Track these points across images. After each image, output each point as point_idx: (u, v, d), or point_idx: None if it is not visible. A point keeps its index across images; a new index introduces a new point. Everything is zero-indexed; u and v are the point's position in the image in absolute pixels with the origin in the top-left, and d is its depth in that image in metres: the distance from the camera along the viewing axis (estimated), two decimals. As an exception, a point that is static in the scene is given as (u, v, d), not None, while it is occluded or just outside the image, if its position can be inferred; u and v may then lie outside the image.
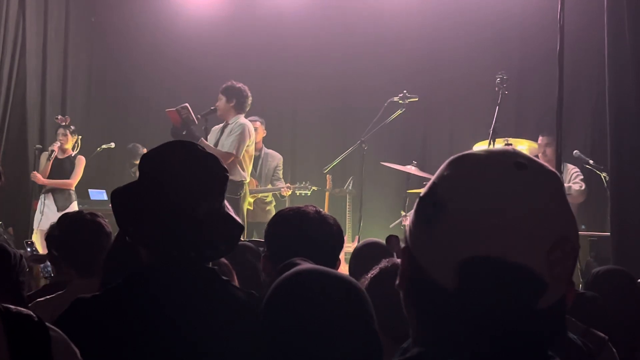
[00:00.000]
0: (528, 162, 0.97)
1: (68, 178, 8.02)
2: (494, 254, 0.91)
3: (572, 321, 2.33)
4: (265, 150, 7.86)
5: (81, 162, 8.09)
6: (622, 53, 5.45)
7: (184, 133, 6.36)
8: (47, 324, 1.33)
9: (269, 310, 1.48)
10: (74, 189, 8.05)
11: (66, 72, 9.79)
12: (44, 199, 7.98)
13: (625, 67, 5.44)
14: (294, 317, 1.43)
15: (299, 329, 1.41)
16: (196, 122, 6.52)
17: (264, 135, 7.90)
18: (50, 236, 3.29)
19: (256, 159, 7.76)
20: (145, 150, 8.32)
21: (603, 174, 6.55)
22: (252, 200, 7.51)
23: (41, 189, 8.12)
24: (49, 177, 8.04)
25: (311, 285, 1.48)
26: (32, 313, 1.32)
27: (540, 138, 7.03)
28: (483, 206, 0.93)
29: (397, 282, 1.03)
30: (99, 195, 8.37)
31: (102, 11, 10.00)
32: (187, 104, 6.49)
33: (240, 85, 6.79)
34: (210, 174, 1.77)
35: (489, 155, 0.99)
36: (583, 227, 6.90)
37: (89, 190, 8.53)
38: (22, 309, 1.32)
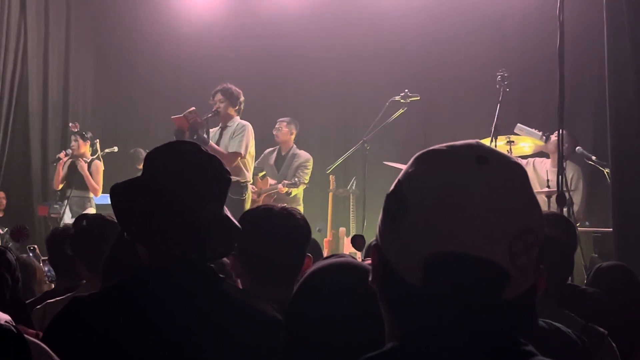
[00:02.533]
0: (490, 156, 0.98)
1: (84, 183, 8.05)
2: (456, 248, 0.93)
3: (571, 316, 2.33)
4: (293, 150, 7.87)
5: (97, 170, 8.13)
6: (622, 49, 5.45)
7: (194, 138, 6.30)
8: (26, 336, 1.31)
9: (303, 292, 1.49)
10: (98, 196, 8.11)
11: (68, 78, 9.82)
12: (66, 207, 8.10)
13: (625, 63, 5.44)
14: (319, 314, 1.45)
15: (330, 312, 1.43)
16: (204, 125, 6.50)
17: (292, 135, 7.91)
18: (64, 235, 3.30)
19: (282, 159, 7.79)
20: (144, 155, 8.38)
21: (606, 170, 6.53)
22: (269, 200, 7.53)
23: (64, 197, 8.22)
24: (64, 183, 8.11)
25: (332, 278, 1.50)
26: (11, 327, 1.31)
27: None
28: (444, 202, 0.95)
29: (370, 278, 1.05)
30: (102, 199, 8.39)
31: (103, 16, 10.02)
32: (194, 108, 6.45)
33: (236, 88, 6.81)
34: (214, 176, 1.78)
35: (451, 150, 1.00)
36: (587, 223, 6.89)
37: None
38: (3, 323, 1.31)
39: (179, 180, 1.74)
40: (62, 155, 8.20)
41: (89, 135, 8.31)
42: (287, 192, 7.49)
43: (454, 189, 0.95)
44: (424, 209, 0.96)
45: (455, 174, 0.96)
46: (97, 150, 8.30)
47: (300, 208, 7.52)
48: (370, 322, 1.29)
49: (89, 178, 8.02)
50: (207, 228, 1.74)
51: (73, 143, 8.23)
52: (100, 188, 8.11)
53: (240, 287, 2.24)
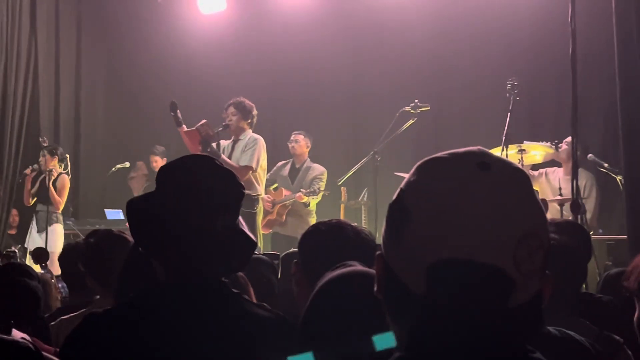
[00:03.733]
0: (492, 162, 0.97)
1: (48, 200, 8.01)
2: (459, 256, 0.92)
3: (587, 324, 2.31)
4: (307, 163, 7.90)
5: (63, 184, 8.07)
6: (632, 55, 5.43)
7: (208, 150, 6.35)
8: (44, 354, 1.32)
9: (316, 305, 1.49)
10: (59, 210, 8.09)
11: (79, 94, 9.88)
12: (33, 220, 8.13)
13: (635, 69, 5.42)
14: (338, 314, 1.45)
15: (343, 324, 1.43)
16: (216, 137, 6.52)
17: (308, 148, 7.94)
18: (77, 252, 3.32)
19: (296, 171, 7.81)
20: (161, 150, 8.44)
21: (618, 177, 6.50)
22: (283, 211, 7.56)
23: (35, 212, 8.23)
24: (35, 199, 8.14)
25: (355, 284, 1.49)
26: (29, 344, 1.31)
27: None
28: (446, 209, 0.94)
29: (375, 288, 1.05)
30: (115, 215, 8.42)
31: (113, 33, 10.09)
32: (205, 121, 6.47)
33: (249, 102, 6.84)
34: (227, 190, 1.76)
35: (453, 157, 1.00)
36: (600, 231, 6.85)
37: (105, 210, 8.58)
38: (20, 339, 1.32)
39: (192, 194, 1.72)
40: (28, 171, 8.20)
41: (59, 151, 8.27)
42: (305, 202, 7.49)
43: (456, 196, 0.95)
44: (427, 216, 0.95)
45: (457, 181, 0.96)
46: (68, 165, 8.27)
47: (313, 220, 7.53)
48: (384, 330, 1.29)
49: (53, 192, 7.98)
50: (221, 242, 1.72)
51: (41, 158, 8.18)
52: (62, 202, 8.06)
53: (295, 294, 2.24)
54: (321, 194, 7.58)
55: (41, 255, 5.15)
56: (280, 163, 8.04)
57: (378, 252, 1.05)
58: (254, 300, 2.32)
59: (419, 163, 1.02)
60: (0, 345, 1.28)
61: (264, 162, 6.80)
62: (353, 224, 2.34)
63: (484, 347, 0.94)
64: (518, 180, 0.98)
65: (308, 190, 7.48)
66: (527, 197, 0.97)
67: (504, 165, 0.99)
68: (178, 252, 1.71)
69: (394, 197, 1.02)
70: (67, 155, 8.35)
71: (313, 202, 7.60)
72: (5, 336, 1.31)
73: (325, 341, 1.42)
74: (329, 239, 2.23)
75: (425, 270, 0.94)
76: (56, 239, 7.76)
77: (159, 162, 8.69)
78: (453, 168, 0.98)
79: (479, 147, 1.02)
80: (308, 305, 1.50)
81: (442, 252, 0.93)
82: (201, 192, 1.73)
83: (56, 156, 8.18)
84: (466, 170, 0.97)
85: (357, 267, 1.57)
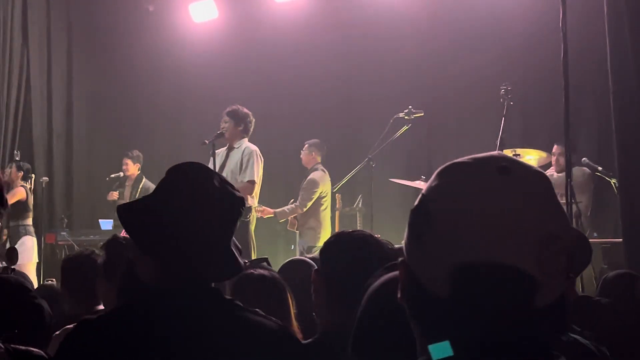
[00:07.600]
0: (512, 166, 0.98)
1: (17, 212, 7.99)
2: (482, 259, 0.93)
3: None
4: (309, 171, 8.04)
5: (14, 195, 7.98)
6: (625, 60, 5.46)
7: None
8: None
9: (367, 316, 1.49)
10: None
11: (71, 106, 9.89)
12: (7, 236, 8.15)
13: (627, 73, 5.45)
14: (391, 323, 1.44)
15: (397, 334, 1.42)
16: (208, 146, 6.55)
17: (313, 156, 8.03)
18: (81, 261, 3.38)
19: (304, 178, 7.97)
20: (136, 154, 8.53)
21: (613, 180, 6.53)
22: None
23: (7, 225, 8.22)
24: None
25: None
26: (42, 353, 1.31)
27: (555, 147, 7.05)
28: (469, 213, 0.95)
29: (399, 295, 1.05)
30: (107, 225, 8.41)
31: (105, 44, 10.08)
32: None
33: (245, 109, 6.83)
34: (226, 205, 1.78)
35: (473, 162, 1.01)
36: (595, 234, 6.86)
37: (100, 220, 8.57)
38: (33, 349, 1.32)
39: (191, 207, 1.74)
40: None
41: (26, 167, 8.31)
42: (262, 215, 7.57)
43: (478, 200, 0.95)
44: (449, 221, 0.96)
45: (478, 185, 0.97)
46: (31, 184, 8.28)
47: (325, 231, 7.74)
48: None
49: None
50: (217, 252, 1.75)
51: (7, 169, 8.22)
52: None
53: (314, 300, 2.23)
54: (307, 205, 7.69)
55: (10, 255, 4.97)
56: None
57: (401, 259, 1.05)
58: (291, 303, 2.36)
59: (440, 168, 1.03)
60: (15, 356, 1.28)
61: (260, 173, 6.84)
62: (376, 236, 2.33)
63: (509, 350, 0.94)
64: (539, 183, 0.99)
65: (281, 210, 7.69)
66: (548, 199, 0.98)
67: (524, 168, 1.00)
68: (176, 254, 1.73)
69: (416, 203, 1.03)
70: (33, 175, 8.42)
71: (268, 215, 7.69)
72: (18, 346, 1.31)
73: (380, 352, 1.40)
74: (352, 250, 2.22)
75: (449, 274, 0.95)
76: (22, 251, 7.69)
77: (129, 164, 8.76)
78: (474, 172, 0.99)
79: (499, 151, 1.03)
80: (359, 317, 1.47)
81: (465, 256, 0.94)
82: (206, 200, 1.75)
83: (22, 172, 8.20)
84: (487, 174, 0.98)
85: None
